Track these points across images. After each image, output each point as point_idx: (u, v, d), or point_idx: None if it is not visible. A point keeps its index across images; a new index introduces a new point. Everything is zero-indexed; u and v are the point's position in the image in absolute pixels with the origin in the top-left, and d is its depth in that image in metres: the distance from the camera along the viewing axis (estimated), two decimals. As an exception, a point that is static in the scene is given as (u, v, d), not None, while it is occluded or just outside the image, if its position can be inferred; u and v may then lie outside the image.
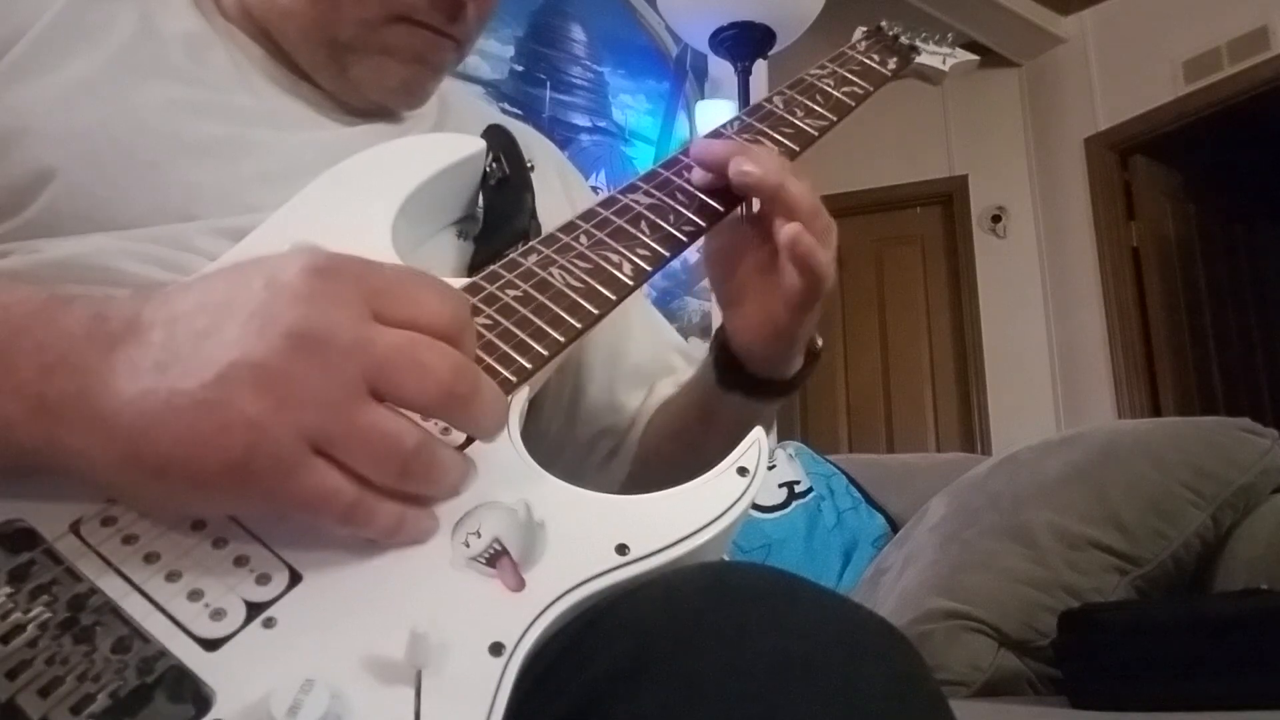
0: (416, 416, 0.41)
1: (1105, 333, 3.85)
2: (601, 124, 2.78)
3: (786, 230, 0.58)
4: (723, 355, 0.67)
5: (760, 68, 2.66)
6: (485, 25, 0.73)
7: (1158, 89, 3.80)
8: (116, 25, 0.63)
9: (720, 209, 0.62)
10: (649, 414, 0.79)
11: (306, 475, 0.38)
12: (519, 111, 2.52)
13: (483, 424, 0.42)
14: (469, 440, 0.45)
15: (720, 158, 0.61)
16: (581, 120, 2.74)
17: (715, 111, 2.85)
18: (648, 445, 0.78)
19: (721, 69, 2.78)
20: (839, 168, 4.03)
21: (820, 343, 0.69)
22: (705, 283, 2.79)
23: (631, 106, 2.85)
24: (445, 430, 0.44)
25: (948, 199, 4.35)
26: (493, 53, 2.57)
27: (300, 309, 0.38)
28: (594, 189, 0.87)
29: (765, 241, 0.61)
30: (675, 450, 0.74)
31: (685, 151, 0.66)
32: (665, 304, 2.68)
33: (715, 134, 0.68)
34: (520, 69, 2.63)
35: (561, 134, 2.63)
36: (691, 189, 0.63)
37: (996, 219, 4.21)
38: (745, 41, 2.38)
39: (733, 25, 2.36)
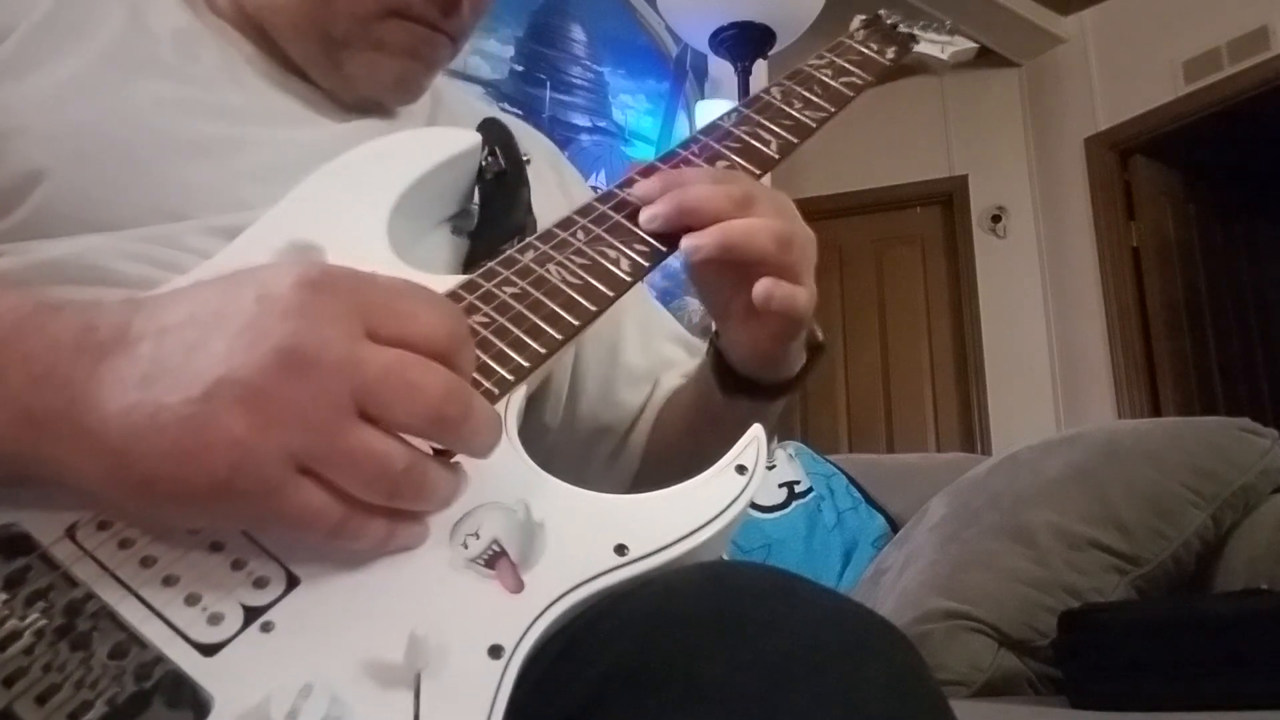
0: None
1: (1105, 333, 3.85)
2: (601, 124, 2.77)
3: (757, 290, 0.56)
4: (720, 363, 0.67)
5: (760, 68, 2.66)
6: (480, 21, 0.72)
7: (1158, 89, 3.80)
8: (106, 23, 0.62)
9: None
10: (655, 410, 0.78)
11: (292, 495, 0.37)
12: (519, 111, 2.52)
13: (475, 445, 0.41)
14: None
15: (654, 208, 0.58)
16: (581, 120, 2.73)
17: (715, 111, 2.82)
18: (657, 442, 0.77)
19: (721, 69, 2.78)
20: (839, 168, 4.03)
21: (821, 335, 0.68)
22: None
23: (631, 106, 2.85)
24: None
25: (948, 199, 4.35)
26: (493, 53, 2.57)
27: (290, 325, 0.37)
28: (594, 189, 0.87)
29: (743, 276, 0.58)
30: (685, 448, 0.74)
31: (684, 144, 0.65)
32: (665, 304, 2.66)
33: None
34: (520, 69, 2.63)
35: (561, 134, 2.63)
36: None
37: (996, 219, 4.21)
38: (745, 41, 2.38)
39: (733, 25, 2.36)
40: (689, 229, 0.57)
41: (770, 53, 2.45)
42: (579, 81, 2.76)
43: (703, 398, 0.72)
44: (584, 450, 0.77)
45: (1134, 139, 3.90)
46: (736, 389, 0.67)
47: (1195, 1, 3.73)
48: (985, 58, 4.02)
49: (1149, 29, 3.86)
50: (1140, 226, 3.90)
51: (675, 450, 0.75)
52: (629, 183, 0.62)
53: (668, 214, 0.58)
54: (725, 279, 0.61)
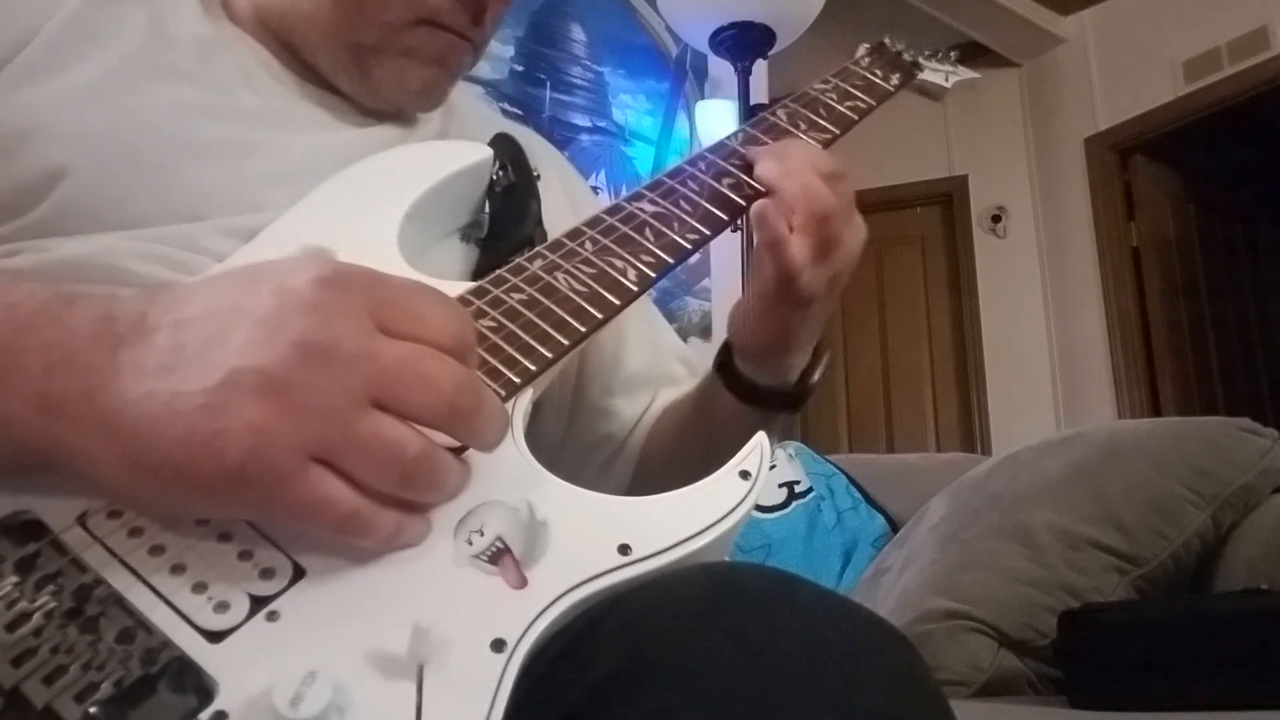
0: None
1: (1105, 333, 3.85)
2: (601, 124, 2.78)
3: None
4: (724, 356, 0.69)
5: (760, 68, 2.66)
6: (497, 29, 0.73)
7: (1158, 89, 3.81)
8: (127, 27, 0.63)
9: (724, 217, 0.63)
10: (651, 421, 0.79)
11: (304, 483, 0.38)
12: (519, 111, 2.52)
13: (484, 437, 0.42)
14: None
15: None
16: (581, 120, 2.74)
17: (715, 111, 2.85)
18: (650, 451, 0.78)
19: (721, 69, 2.78)
20: (839, 168, 4.03)
21: (825, 356, 0.70)
22: (705, 282, 2.81)
23: (631, 106, 2.85)
24: None
25: (948, 199, 4.35)
26: (493, 53, 2.56)
27: (307, 318, 0.38)
28: (594, 189, 0.88)
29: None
30: (677, 457, 0.75)
31: (690, 161, 0.67)
32: (665, 304, 2.68)
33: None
34: (520, 69, 2.63)
35: (561, 134, 2.63)
36: (695, 197, 0.64)
37: (996, 219, 4.21)
38: (745, 41, 2.38)
39: (733, 25, 2.36)
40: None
41: (770, 53, 2.45)
42: (579, 81, 2.76)
43: (703, 399, 0.73)
44: (582, 457, 0.78)
45: (1134, 139, 3.90)
46: (729, 384, 0.68)
47: (1195, 1, 3.73)
48: (985, 58, 4.02)
49: (1149, 29, 3.87)
50: (1140, 226, 3.90)
51: (664, 461, 0.76)
52: (637, 196, 0.63)
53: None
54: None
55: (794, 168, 0.62)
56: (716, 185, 0.65)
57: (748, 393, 0.68)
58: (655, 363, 0.82)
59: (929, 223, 4.39)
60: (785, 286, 0.61)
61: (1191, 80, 3.71)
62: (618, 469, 0.78)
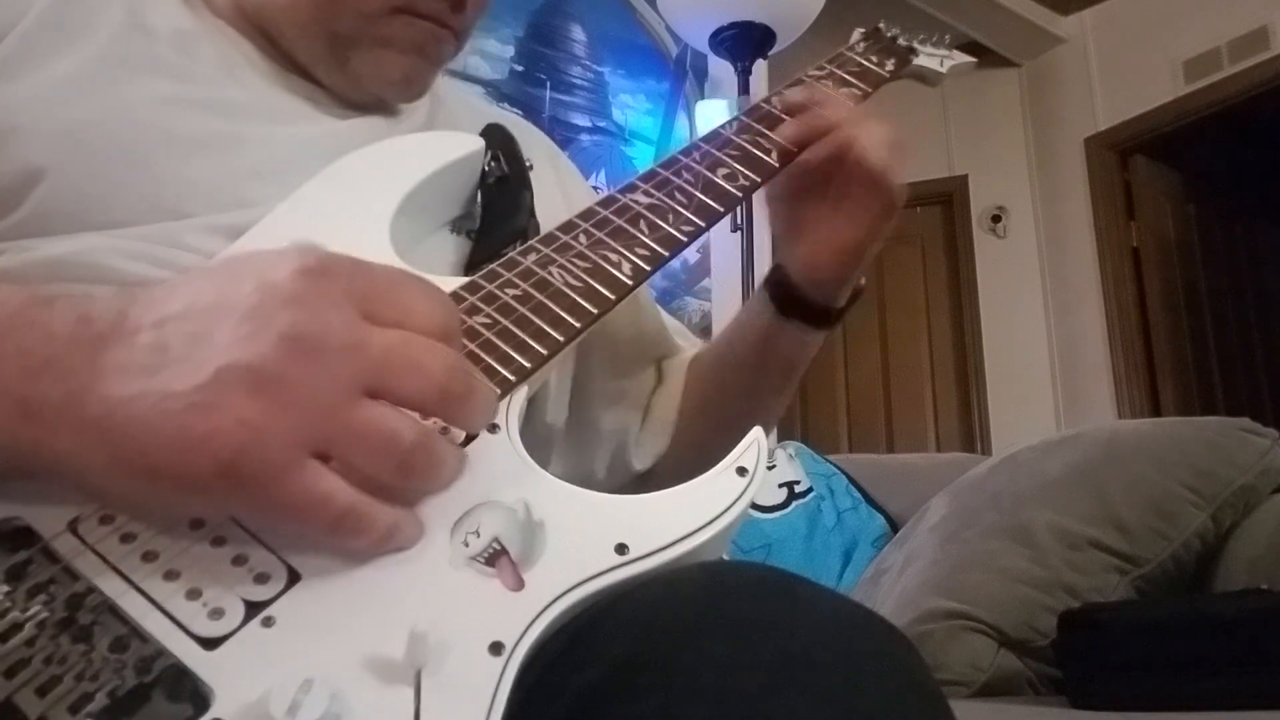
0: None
1: (1105, 332, 3.85)
2: (601, 124, 2.78)
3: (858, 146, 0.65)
4: (780, 289, 0.72)
5: (760, 68, 2.66)
6: (480, 18, 0.73)
7: (1158, 89, 3.80)
8: (104, 22, 0.62)
9: (719, 209, 0.63)
10: (679, 382, 0.81)
11: (299, 478, 0.37)
12: (519, 111, 2.52)
13: (476, 420, 0.43)
14: (469, 438, 0.45)
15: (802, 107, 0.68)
16: (581, 120, 2.74)
17: (715, 111, 2.85)
18: (692, 400, 0.80)
19: (721, 69, 2.78)
20: (839, 168, 4.03)
21: (864, 281, 0.75)
22: (706, 282, 2.81)
23: (631, 106, 2.85)
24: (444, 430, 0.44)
25: (948, 199, 4.35)
26: (493, 53, 2.57)
27: (293, 311, 0.38)
28: (594, 189, 0.88)
29: (829, 181, 0.67)
30: (730, 394, 0.78)
31: (685, 151, 0.66)
32: (665, 304, 2.67)
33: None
34: (520, 69, 2.63)
35: (561, 134, 2.63)
36: (690, 189, 0.63)
37: (996, 219, 4.21)
38: (745, 41, 2.38)
39: (733, 25, 2.36)
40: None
41: (770, 53, 2.45)
42: (579, 81, 2.76)
43: (748, 334, 0.76)
44: (597, 446, 0.78)
45: (1134, 139, 3.90)
46: (793, 311, 0.72)
47: (1195, 1, 3.73)
48: (985, 58, 4.02)
49: (1149, 29, 3.87)
50: (1140, 226, 3.90)
51: (711, 408, 0.79)
52: (630, 187, 0.63)
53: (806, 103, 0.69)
54: (814, 179, 0.68)
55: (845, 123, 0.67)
56: (711, 176, 0.64)
57: (818, 318, 0.73)
58: (659, 339, 0.83)
59: (929, 223, 4.39)
60: (891, 205, 0.67)
61: (1191, 80, 3.71)
62: (646, 444, 0.79)
